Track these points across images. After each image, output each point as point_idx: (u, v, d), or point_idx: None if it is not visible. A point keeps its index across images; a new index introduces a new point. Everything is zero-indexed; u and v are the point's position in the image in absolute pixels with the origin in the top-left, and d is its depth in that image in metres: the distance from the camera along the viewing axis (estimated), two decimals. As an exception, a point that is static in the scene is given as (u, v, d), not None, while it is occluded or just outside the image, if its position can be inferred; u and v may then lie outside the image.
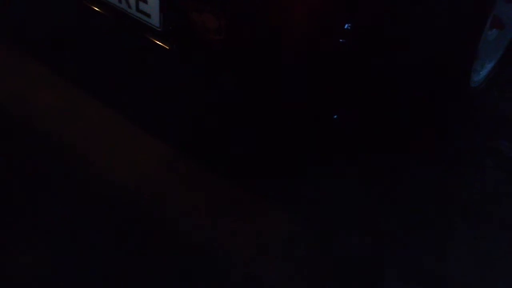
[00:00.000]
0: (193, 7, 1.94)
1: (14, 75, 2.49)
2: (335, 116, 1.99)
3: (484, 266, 2.02)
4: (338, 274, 1.97)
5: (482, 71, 2.51)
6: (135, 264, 1.94)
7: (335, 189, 2.20)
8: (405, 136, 2.38)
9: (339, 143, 2.31)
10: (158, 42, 2.10)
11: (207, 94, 2.48)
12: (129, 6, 2.09)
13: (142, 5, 2.04)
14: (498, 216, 2.17)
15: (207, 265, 1.96)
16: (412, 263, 2.01)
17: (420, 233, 2.09)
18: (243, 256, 1.99)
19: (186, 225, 2.05)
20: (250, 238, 2.04)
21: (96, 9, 2.22)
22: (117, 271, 1.92)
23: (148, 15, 2.04)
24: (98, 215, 2.05)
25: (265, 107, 2.31)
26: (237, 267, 1.96)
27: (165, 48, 2.09)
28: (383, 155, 2.31)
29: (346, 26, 1.78)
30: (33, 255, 1.94)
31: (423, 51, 2.12)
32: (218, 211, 2.10)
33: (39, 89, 2.43)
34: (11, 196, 2.09)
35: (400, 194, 2.20)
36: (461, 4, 2.11)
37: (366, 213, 2.13)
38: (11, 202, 2.08)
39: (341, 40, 1.80)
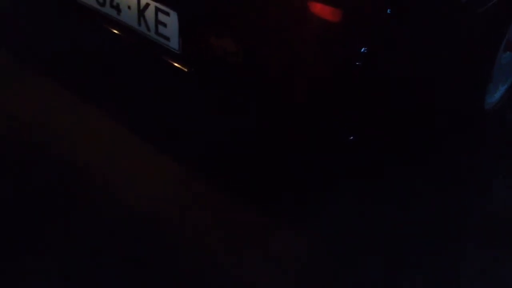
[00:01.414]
0: (212, 31, 1.98)
1: (36, 96, 2.54)
2: (351, 137, 2.01)
3: None
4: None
5: (496, 93, 2.54)
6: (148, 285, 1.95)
7: (351, 211, 2.22)
8: (419, 156, 2.40)
9: (355, 164, 2.33)
10: (176, 65, 2.13)
11: (223, 116, 2.51)
12: (148, 29, 2.12)
13: (161, 29, 2.08)
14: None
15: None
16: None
17: (435, 257, 2.10)
18: (256, 278, 1.99)
19: (197, 251, 2.06)
20: (262, 261, 2.04)
21: (116, 31, 2.26)
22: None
23: (167, 38, 2.08)
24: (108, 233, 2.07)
25: (281, 130, 2.33)
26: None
27: (184, 71, 2.13)
28: (398, 176, 2.33)
29: (362, 50, 1.81)
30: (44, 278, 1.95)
31: (438, 74, 2.15)
32: (231, 234, 2.11)
33: (59, 110, 2.48)
34: (19, 217, 2.10)
35: (414, 215, 2.21)
36: (475, 28, 2.14)
37: (382, 235, 2.14)
38: (20, 222, 2.09)
39: (357, 63, 1.84)
